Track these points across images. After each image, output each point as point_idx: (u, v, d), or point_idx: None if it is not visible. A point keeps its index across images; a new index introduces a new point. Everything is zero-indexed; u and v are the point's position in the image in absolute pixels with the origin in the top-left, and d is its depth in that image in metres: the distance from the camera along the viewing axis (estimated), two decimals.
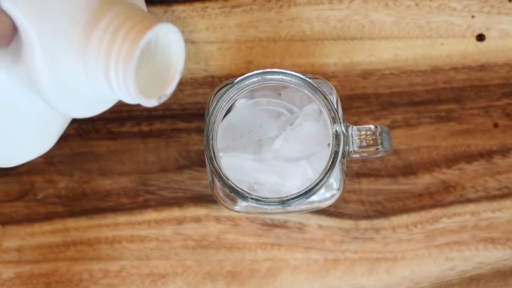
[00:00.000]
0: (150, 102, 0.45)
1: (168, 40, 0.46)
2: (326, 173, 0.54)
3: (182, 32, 0.63)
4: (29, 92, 0.46)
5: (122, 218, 0.63)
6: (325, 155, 0.55)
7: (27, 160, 0.53)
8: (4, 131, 0.49)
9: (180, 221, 0.63)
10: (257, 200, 0.54)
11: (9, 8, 0.43)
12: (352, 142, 0.56)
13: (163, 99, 0.46)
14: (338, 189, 0.57)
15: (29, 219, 0.63)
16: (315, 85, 0.55)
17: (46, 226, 0.63)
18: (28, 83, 0.45)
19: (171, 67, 0.47)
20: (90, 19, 0.44)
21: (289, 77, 0.55)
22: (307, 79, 0.55)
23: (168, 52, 0.46)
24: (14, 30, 0.44)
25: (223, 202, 0.57)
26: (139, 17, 0.44)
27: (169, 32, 0.45)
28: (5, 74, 0.45)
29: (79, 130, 0.62)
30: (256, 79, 0.55)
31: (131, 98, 0.45)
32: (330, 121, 0.55)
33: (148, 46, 0.46)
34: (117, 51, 0.43)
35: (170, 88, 0.47)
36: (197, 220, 0.63)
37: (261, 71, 0.55)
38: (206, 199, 0.63)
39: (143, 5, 0.49)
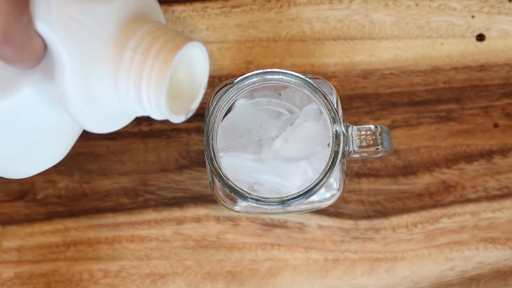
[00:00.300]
0: (179, 118, 0.46)
1: (192, 56, 0.47)
2: (326, 173, 0.54)
3: (182, 32, 0.63)
4: (52, 107, 0.47)
5: (122, 218, 0.63)
6: (325, 155, 0.55)
7: (40, 171, 0.54)
8: (21, 144, 0.50)
9: (180, 221, 0.63)
10: (257, 200, 0.54)
11: (44, 30, 0.43)
12: (352, 142, 0.56)
13: (190, 114, 0.47)
14: (338, 189, 0.57)
15: (29, 219, 0.63)
16: (315, 85, 0.55)
17: (46, 226, 0.63)
18: (56, 100, 0.46)
19: (195, 82, 0.48)
20: (120, 39, 0.45)
21: (289, 77, 0.55)
22: (307, 79, 0.55)
23: (192, 68, 0.47)
24: (45, 50, 0.44)
25: (223, 202, 0.57)
26: (167, 36, 0.45)
27: (196, 49, 0.46)
28: (32, 91, 0.46)
29: None
30: (256, 79, 0.55)
31: (161, 115, 0.46)
32: (330, 121, 0.55)
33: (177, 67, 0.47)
34: (148, 71, 0.44)
35: (196, 104, 0.48)
36: (197, 220, 0.63)
37: (261, 71, 0.55)
38: (206, 199, 0.63)
39: (161, 17, 0.49)
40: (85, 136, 0.63)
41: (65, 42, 0.43)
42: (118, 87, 0.45)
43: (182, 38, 0.45)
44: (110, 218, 0.63)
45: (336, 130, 0.55)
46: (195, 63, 0.47)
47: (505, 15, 0.64)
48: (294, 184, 0.57)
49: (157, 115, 0.46)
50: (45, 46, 0.44)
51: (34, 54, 0.43)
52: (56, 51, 0.44)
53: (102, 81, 0.45)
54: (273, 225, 0.63)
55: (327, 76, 0.63)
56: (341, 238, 0.63)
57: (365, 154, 0.58)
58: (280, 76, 0.55)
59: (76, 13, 0.44)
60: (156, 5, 0.48)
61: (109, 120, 0.48)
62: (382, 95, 0.63)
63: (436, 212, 0.63)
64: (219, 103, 0.55)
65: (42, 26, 0.43)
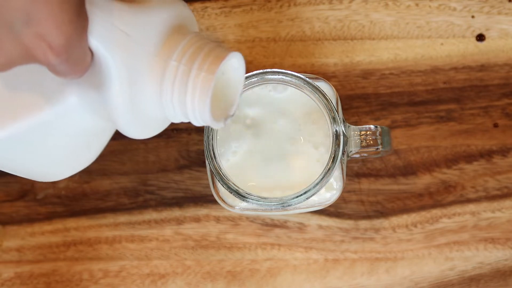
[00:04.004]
0: (219, 125, 0.49)
1: (229, 65, 0.49)
2: (326, 173, 0.54)
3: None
4: (92, 114, 0.49)
5: (122, 218, 0.63)
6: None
7: (72, 174, 0.55)
8: (58, 149, 0.51)
9: (180, 221, 0.63)
10: (257, 200, 0.54)
11: (96, 45, 0.45)
12: (352, 142, 0.56)
13: (229, 120, 0.49)
14: (338, 189, 0.57)
15: (29, 219, 0.63)
16: (315, 85, 0.55)
17: (46, 226, 0.63)
18: (99, 108, 0.47)
19: (231, 89, 0.50)
20: (163, 50, 0.47)
21: (289, 77, 0.55)
22: (307, 79, 0.55)
23: (228, 75, 0.50)
24: (92, 60, 0.46)
25: (223, 202, 0.57)
26: (209, 46, 0.47)
27: (235, 59, 0.49)
28: (77, 99, 0.48)
29: None
30: (256, 79, 0.55)
31: (203, 122, 0.48)
32: (330, 121, 0.55)
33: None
34: (193, 80, 0.46)
35: (233, 109, 0.50)
36: (197, 220, 0.63)
37: (261, 71, 0.55)
38: (206, 199, 0.63)
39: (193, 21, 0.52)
40: None
41: (114, 55, 0.45)
42: (162, 96, 0.47)
43: (222, 49, 0.47)
44: (110, 218, 0.63)
45: (336, 130, 0.55)
46: (231, 70, 0.49)
47: (505, 15, 0.64)
48: None
49: (198, 122, 0.48)
50: (92, 57, 0.46)
51: (86, 67, 0.45)
52: (105, 63, 0.45)
53: (146, 90, 0.47)
54: (273, 225, 0.63)
55: (327, 76, 0.63)
56: (341, 238, 0.63)
57: (365, 154, 0.58)
58: (280, 76, 0.55)
59: (124, 27, 0.46)
60: (192, 16, 0.50)
61: (149, 126, 0.50)
62: (382, 95, 0.63)
63: (436, 212, 0.63)
64: None
65: (94, 42, 0.45)
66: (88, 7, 0.44)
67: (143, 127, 0.49)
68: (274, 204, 0.54)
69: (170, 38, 0.47)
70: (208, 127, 0.55)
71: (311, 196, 0.54)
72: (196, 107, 0.47)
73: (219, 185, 0.56)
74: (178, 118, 0.49)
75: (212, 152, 0.55)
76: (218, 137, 0.56)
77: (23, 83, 0.48)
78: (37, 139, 0.50)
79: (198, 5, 0.64)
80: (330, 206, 0.59)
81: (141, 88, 0.47)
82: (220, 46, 0.48)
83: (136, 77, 0.46)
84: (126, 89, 0.46)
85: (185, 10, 0.49)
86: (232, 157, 0.56)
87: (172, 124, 0.63)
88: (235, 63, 0.49)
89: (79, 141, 0.52)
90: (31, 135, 0.49)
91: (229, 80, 0.50)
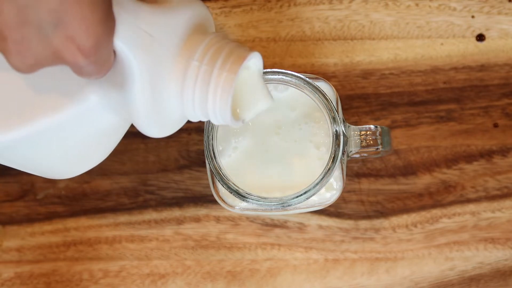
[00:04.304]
0: (238, 123, 0.49)
1: (249, 65, 0.50)
2: (326, 173, 0.54)
3: None
4: (111, 113, 0.49)
5: (122, 218, 0.63)
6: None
7: (85, 170, 0.55)
8: (75, 147, 0.52)
9: (180, 221, 0.63)
10: (257, 200, 0.54)
11: (120, 45, 0.45)
12: (352, 142, 0.56)
13: (246, 120, 0.50)
14: (338, 189, 0.57)
15: (29, 219, 0.63)
16: (315, 85, 0.55)
17: (46, 226, 0.63)
18: (119, 107, 0.48)
19: (249, 89, 0.51)
20: (185, 50, 0.47)
21: (289, 77, 0.55)
22: (307, 79, 0.55)
23: (246, 75, 0.50)
24: (114, 61, 0.46)
25: (223, 202, 0.57)
26: (229, 46, 0.48)
27: (255, 59, 0.49)
28: (98, 98, 0.48)
29: None
30: None
31: (223, 121, 0.49)
32: (330, 121, 0.55)
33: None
34: (215, 80, 0.47)
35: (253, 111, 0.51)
36: (197, 220, 0.63)
37: None
38: (206, 199, 0.63)
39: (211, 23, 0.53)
40: None
41: (138, 56, 0.46)
42: (183, 96, 0.48)
43: (243, 48, 0.48)
44: (110, 218, 0.63)
45: (336, 130, 0.55)
46: (250, 70, 0.50)
47: (505, 15, 0.64)
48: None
49: (218, 121, 0.49)
50: (115, 57, 0.46)
51: (109, 67, 0.45)
52: (128, 64, 0.46)
53: (167, 90, 0.48)
54: (273, 225, 0.63)
55: (327, 76, 0.63)
56: (341, 238, 0.63)
57: (365, 154, 0.58)
58: (280, 76, 0.55)
59: (148, 28, 0.46)
60: (210, 16, 0.51)
61: (167, 126, 0.50)
62: (382, 95, 0.63)
63: (436, 212, 0.63)
64: None
65: (119, 43, 0.45)
66: (114, 8, 0.44)
67: (161, 126, 0.50)
68: (274, 204, 0.54)
69: (190, 38, 0.48)
70: (208, 127, 0.55)
71: (311, 196, 0.54)
72: (217, 106, 0.48)
73: (219, 185, 0.56)
74: (198, 117, 0.49)
75: (212, 152, 0.55)
76: (217, 135, 0.56)
77: (44, 82, 0.48)
78: (57, 138, 0.50)
79: None
80: (330, 206, 0.59)
81: (163, 88, 0.47)
82: (240, 46, 0.48)
83: (157, 77, 0.47)
84: (148, 89, 0.47)
85: (204, 10, 0.50)
86: (233, 153, 0.57)
87: None
88: (254, 62, 0.50)
89: (95, 139, 0.52)
90: (51, 134, 0.49)
91: (248, 80, 0.50)
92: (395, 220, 0.63)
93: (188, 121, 0.63)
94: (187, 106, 0.48)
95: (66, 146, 0.51)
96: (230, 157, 0.57)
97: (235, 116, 0.50)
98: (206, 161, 0.55)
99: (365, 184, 0.63)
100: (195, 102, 0.48)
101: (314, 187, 0.54)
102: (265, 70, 0.55)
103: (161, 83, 0.47)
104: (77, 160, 0.53)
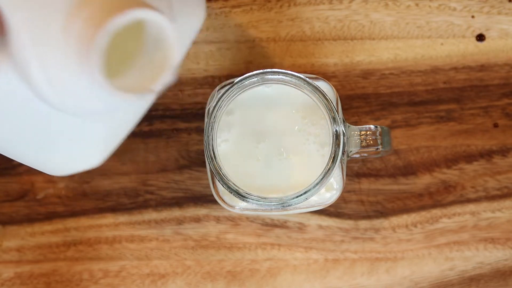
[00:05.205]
0: (128, 97, 0.42)
1: (159, 33, 0.43)
2: (326, 173, 0.54)
3: None
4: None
5: (122, 218, 0.63)
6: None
7: (79, 170, 0.53)
8: (58, 136, 0.49)
9: (180, 221, 0.63)
10: (257, 200, 0.54)
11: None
12: (352, 142, 0.56)
13: (148, 96, 0.44)
14: (338, 189, 0.57)
15: (29, 219, 0.63)
16: (315, 85, 0.55)
17: (46, 226, 0.63)
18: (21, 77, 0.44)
19: (157, 60, 0.44)
20: (74, 9, 0.42)
21: (289, 77, 0.55)
22: (307, 79, 0.55)
23: (160, 46, 0.44)
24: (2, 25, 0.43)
25: (223, 202, 0.57)
26: (119, 2, 0.41)
27: (158, 22, 0.42)
28: (9, 68, 0.44)
29: None
30: (256, 79, 0.55)
31: (102, 88, 0.42)
32: (330, 121, 0.55)
33: (143, 39, 0.44)
34: (86, 37, 0.41)
35: (155, 85, 0.43)
36: (197, 220, 0.63)
37: (261, 71, 0.55)
38: (206, 199, 0.63)
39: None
40: None
41: (14, 15, 0.42)
42: (77, 61, 0.43)
43: (130, 3, 0.41)
44: (110, 218, 0.63)
45: (336, 130, 0.55)
46: (163, 39, 0.43)
47: (505, 15, 0.64)
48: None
49: (101, 93, 0.42)
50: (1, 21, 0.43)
51: None
52: (9, 23, 0.42)
53: (58, 54, 0.43)
54: (273, 225, 0.63)
55: (327, 76, 0.63)
56: (341, 238, 0.63)
57: (365, 154, 0.58)
58: (280, 76, 0.55)
59: None
60: None
61: (80, 100, 0.45)
62: (382, 95, 0.63)
63: (436, 212, 0.63)
64: (219, 103, 0.55)
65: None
66: None
67: (71, 100, 0.44)
68: (274, 204, 0.54)
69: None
70: (208, 127, 0.55)
71: (311, 196, 0.54)
72: (85, 67, 0.41)
73: (219, 185, 0.56)
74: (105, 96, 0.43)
75: (212, 152, 0.55)
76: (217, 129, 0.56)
77: None
78: None
79: None
80: (330, 206, 0.59)
81: (53, 52, 0.42)
82: (132, 2, 0.41)
83: (44, 39, 0.42)
84: (34, 50, 0.42)
85: None
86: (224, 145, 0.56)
87: (172, 124, 0.63)
88: (161, 27, 0.42)
89: (77, 129, 0.48)
90: None
91: (156, 50, 0.44)
92: (395, 220, 0.63)
93: (188, 121, 0.63)
94: (83, 74, 0.42)
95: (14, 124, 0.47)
96: (228, 142, 0.57)
97: (123, 87, 0.42)
98: (206, 161, 0.55)
99: (365, 184, 0.63)
100: (82, 68, 0.42)
101: (314, 187, 0.54)
102: (265, 70, 0.55)
103: (51, 48, 0.42)
104: (60, 154, 0.50)
